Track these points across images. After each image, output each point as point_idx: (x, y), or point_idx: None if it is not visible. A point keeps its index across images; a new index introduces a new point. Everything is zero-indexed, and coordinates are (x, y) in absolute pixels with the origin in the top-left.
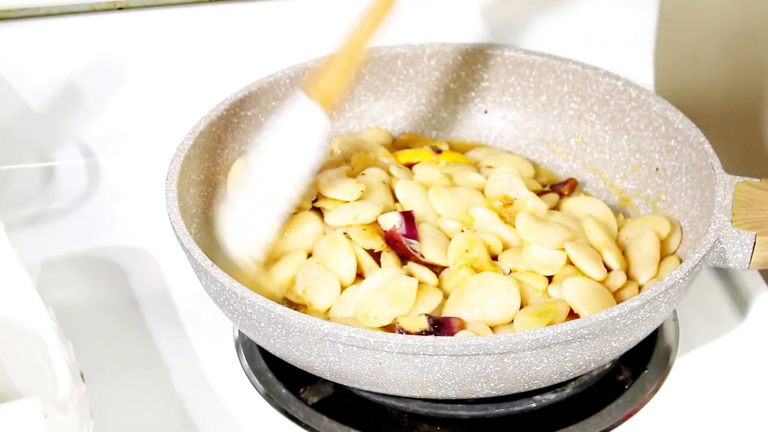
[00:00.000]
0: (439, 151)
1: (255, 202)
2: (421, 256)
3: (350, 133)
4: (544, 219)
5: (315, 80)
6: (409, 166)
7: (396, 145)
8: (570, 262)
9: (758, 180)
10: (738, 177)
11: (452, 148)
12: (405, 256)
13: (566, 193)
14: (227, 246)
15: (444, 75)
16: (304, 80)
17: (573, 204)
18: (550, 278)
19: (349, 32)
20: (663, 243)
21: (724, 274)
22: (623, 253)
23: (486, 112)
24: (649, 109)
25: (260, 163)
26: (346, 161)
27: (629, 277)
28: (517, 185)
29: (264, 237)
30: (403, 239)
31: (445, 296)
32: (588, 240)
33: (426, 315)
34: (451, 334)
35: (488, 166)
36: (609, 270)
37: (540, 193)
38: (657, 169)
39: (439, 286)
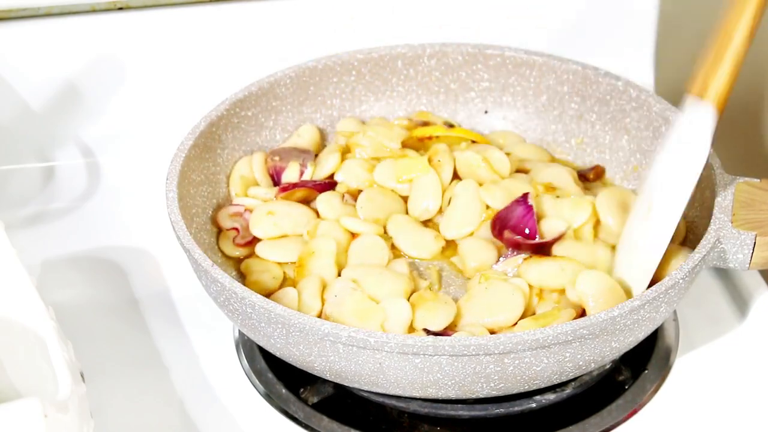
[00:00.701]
0: (451, 126)
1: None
2: None
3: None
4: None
5: (704, 77)
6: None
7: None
8: None
9: (758, 180)
10: (738, 177)
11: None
12: None
13: (591, 178)
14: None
15: (444, 75)
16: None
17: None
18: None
19: (728, 19)
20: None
21: (724, 274)
22: None
23: (486, 112)
24: (650, 110)
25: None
26: (348, 151)
27: None
28: (566, 179)
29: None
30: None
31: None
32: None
33: (425, 330)
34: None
35: (507, 153)
36: None
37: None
38: None
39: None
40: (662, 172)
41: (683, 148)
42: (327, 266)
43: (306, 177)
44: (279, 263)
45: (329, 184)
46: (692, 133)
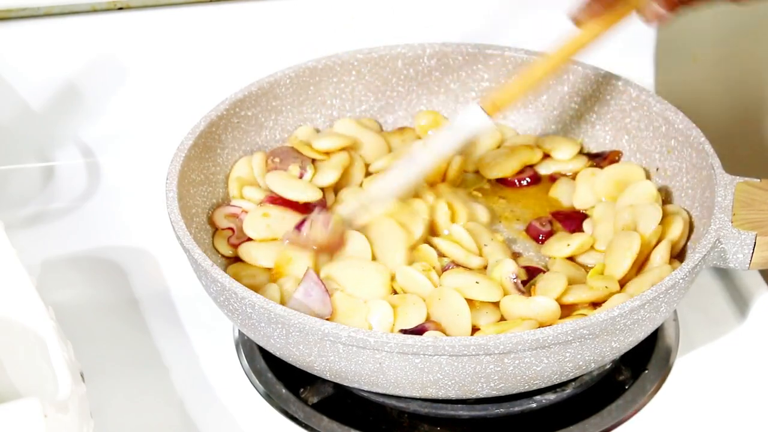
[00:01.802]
0: None
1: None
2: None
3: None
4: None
5: (494, 90)
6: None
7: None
8: None
9: (758, 180)
10: (738, 177)
11: None
12: None
13: (605, 165)
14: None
15: (444, 75)
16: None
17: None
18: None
19: (546, 50)
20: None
21: (724, 274)
22: None
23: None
24: (650, 109)
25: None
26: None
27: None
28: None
29: (390, 190)
30: None
31: None
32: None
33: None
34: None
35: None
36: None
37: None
38: (657, 169)
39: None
40: (431, 140)
41: (454, 128)
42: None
43: (306, 178)
44: (261, 267)
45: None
46: (460, 123)
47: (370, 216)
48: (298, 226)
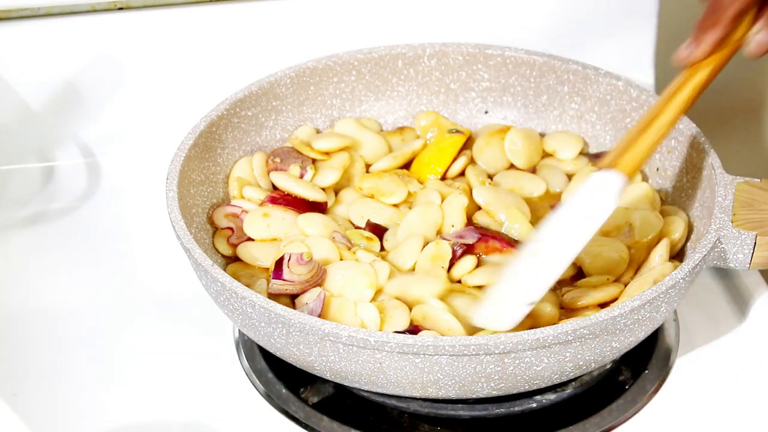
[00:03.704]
0: (457, 131)
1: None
2: None
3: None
4: None
5: (620, 153)
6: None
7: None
8: None
9: (759, 180)
10: (738, 177)
11: None
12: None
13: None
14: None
15: (444, 75)
16: (603, 158)
17: None
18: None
19: (659, 105)
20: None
21: (724, 274)
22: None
23: (486, 112)
24: None
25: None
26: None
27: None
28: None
29: (543, 287)
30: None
31: None
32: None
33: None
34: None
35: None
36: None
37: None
38: (657, 169)
39: None
40: (562, 222)
41: (589, 203)
42: None
43: (307, 178)
44: (260, 267)
45: (317, 205)
46: (600, 191)
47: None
48: (277, 275)
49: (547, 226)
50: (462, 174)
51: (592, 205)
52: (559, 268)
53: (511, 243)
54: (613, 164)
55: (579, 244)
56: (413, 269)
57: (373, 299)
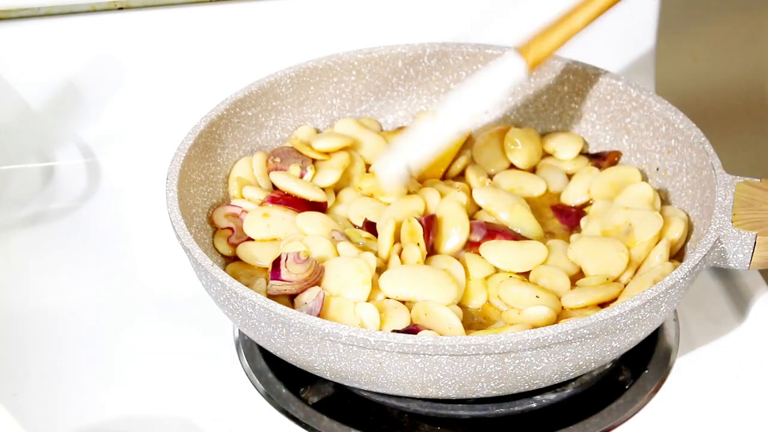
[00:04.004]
0: None
1: (430, 123)
2: None
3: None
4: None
5: (529, 40)
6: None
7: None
8: None
9: (759, 180)
10: (738, 177)
11: None
12: None
13: (604, 166)
14: (387, 161)
15: (444, 75)
16: (517, 40)
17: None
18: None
19: (580, 3)
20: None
21: (724, 274)
22: None
23: (486, 112)
24: (650, 109)
25: (449, 95)
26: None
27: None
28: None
29: (423, 154)
30: None
31: None
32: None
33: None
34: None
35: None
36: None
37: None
38: (657, 169)
39: None
40: (461, 94)
41: (488, 82)
42: None
43: (307, 178)
44: (260, 267)
45: (318, 204)
46: (497, 73)
47: (408, 176)
48: (275, 275)
49: (450, 96)
50: (462, 174)
51: (490, 84)
52: (440, 136)
53: (517, 237)
54: (521, 51)
55: (464, 118)
56: (389, 254)
57: (371, 297)
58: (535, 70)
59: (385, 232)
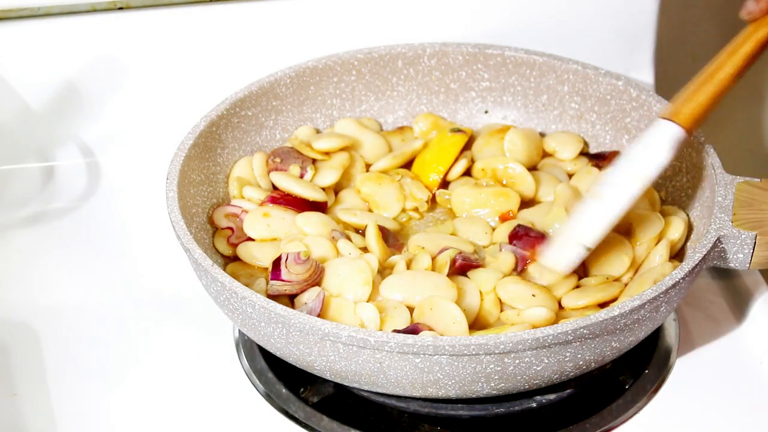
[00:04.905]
0: (459, 131)
1: (597, 203)
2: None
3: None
4: None
5: (681, 103)
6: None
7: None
8: None
9: (758, 180)
10: (738, 177)
11: None
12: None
13: (604, 166)
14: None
15: (444, 75)
16: (666, 107)
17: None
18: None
19: (721, 58)
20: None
21: (724, 274)
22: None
23: (486, 112)
24: (650, 109)
25: (607, 172)
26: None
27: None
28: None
29: (600, 233)
30: None
31: None
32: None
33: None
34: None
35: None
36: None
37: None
38: None
39: None
40: (621, 170)
41: (644, 152)
42: None
43: (307, 178)
44: (260, 267)
45: (318, 204)
46: (655, 141)
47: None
48: (275, 275)
49: (608, 173)
50: (463, 176)
51: (648, 155)
52: (614, 213)
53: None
54: (672, 115)
55: (634, 192)
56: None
57: (371, 298)
58: (692, 130)
59: (371, 236)
